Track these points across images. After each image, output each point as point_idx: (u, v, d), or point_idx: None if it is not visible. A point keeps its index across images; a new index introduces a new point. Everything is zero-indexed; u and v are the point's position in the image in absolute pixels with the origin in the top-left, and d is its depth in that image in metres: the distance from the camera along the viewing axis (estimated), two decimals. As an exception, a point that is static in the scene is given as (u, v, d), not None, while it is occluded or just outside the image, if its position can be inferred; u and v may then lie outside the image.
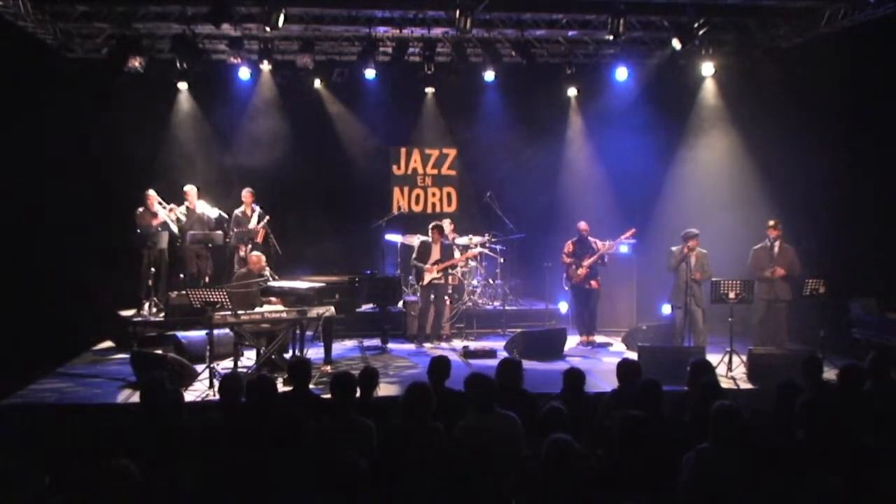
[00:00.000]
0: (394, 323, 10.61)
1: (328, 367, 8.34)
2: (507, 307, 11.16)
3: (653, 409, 4.65)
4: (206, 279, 10.53)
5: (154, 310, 10.09)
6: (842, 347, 8.64)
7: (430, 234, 10.26)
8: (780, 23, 10.27)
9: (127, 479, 3.30)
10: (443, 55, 11.39)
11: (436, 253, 10.12)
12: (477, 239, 11.55)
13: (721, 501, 3.83)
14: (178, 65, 10.45)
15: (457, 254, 10.58)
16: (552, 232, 11.56)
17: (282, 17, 8.97)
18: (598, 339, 10.29)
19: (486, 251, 11.69)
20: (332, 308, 8.39)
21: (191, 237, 10.52)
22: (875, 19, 9.05)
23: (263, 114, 11.87)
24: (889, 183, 8.87)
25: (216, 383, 6.87)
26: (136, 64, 10.18)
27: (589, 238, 10.11)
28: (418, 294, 10.39)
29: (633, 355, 7.86)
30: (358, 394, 5.03)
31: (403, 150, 13.22)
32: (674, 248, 9.11)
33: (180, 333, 8.86)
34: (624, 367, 5.63)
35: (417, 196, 13.29)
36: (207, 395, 7.26)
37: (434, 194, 13.33)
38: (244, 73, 11.13)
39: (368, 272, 9.92)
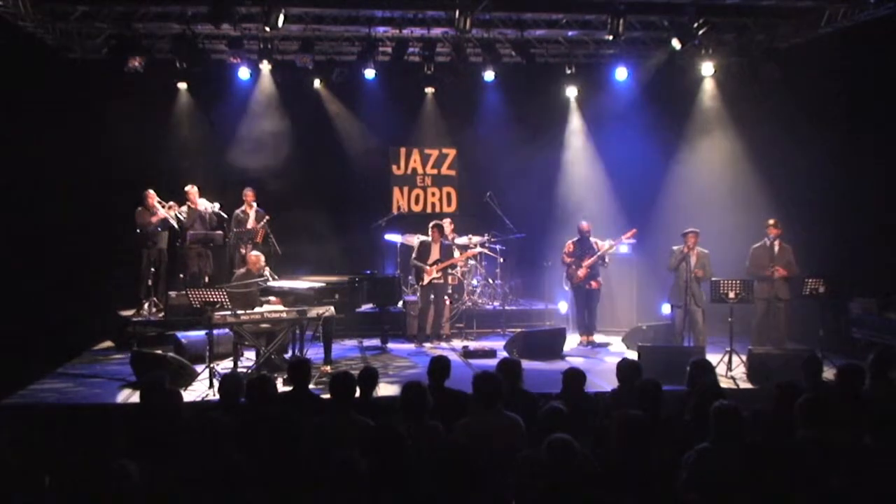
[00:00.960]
0: (394, 323, 10.61)
1: (328, 367, 8.33)
2: (507, 307, 11.16)
3: (653, 409, 4.65)
4: (206, 279, 10.52)
5: (154, 310, 10.09)
6: (842, 347, 8.66)
7: (429, 233, 10.26)
8: (780, 23, 10.28)
9: (127, 479, 3.30)
10: (443, 55, 11.38)
11: (435, 253, 10.12)
12: (476, 239, 11.55)
13: (721, 501, 3.83)
14: (178, 65, 10.47)
15: (456, 253, 10.58)
16: (552, 232, 11.58)
17: (282, 17, 8.97)
18: (598, 339, 10.29)
19: (485, 251, 11.69)
20: (332, 308, 8.39)
21: (191, 237, 10.52)
22: (875, 19, 9.06)
23: (263, 114, 11.88)
24: (889, 183, 8.87)
25: (216, 383, 6.86)
26: (136, 64, 10.17)
27: (590, 238, 10.11)
28: (418, 294, 10.39)
29: (633, 355, 7.86)
30: (358, 394, 5.03)
31: (403, 150, 13.23)
32: (675, 248, 9.11)
33: (180, 333, 8.85)
34: (624, 367, 5.62)
35: (417, 196, 13.29)
36: (207, 395, 7.26)
37: (434, 194, 13.34)
38: (244, 73, 11.14)
39: (368, 272, 9.92)
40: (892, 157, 8.77)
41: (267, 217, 10.73)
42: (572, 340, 10.04)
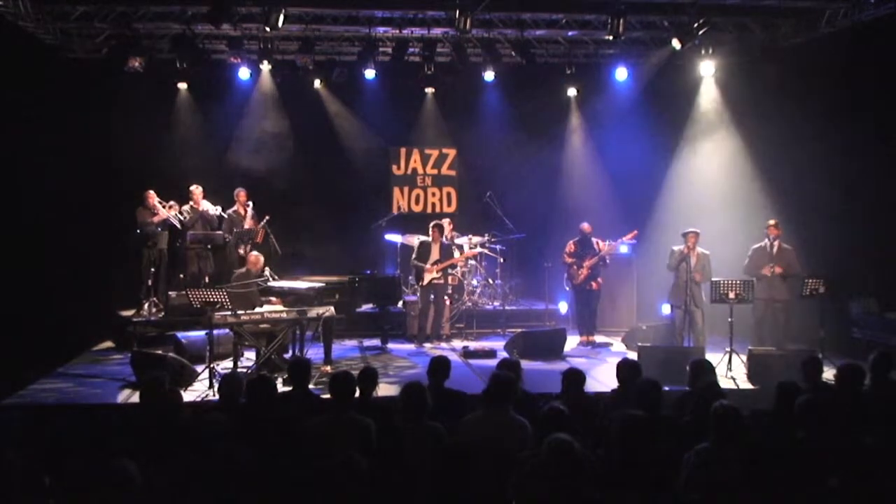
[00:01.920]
0: (394, 323, 10.61)
1: (328, 367, 8.33)
2: (507, 307, 11.16)
3: (653, 409, 4.65)
4: (206, 279, 10.53)
5: (154, 310, 10.09)
6: (842, 347, 8.65)
7: (430, 233, 10.26)
8: (780, 23, 10.28)
9: (127, 479, 3.30)
10: (443, 55, 11.38)
11: (435, 253, 10.12)
12: (477, 239, 11.55)
13: (721, 501, 3.83)
14: (178, 65, 10.47)
15: (456, 253, 10.58)
16: (552, 232, 11.58)
17: (282, 17, 8.97)
18: (598, 339, 10.29)
19: (485, 251, 11.69)
20: (332, 308, 8.39)
21: (191, 237, 10.52)
22: (875, 19, 9.06)
23: (263, 114, 11.88)
24: (889, 182, 8.87)
25: (216, 383, 6.87)
26: (136, 64, 10.18)
27: (591, 238, 10.10)
28: (418, 294, 10.39)
29: (633, 355, 7.86)
30: (358, 394, 5.03)
31: (403, 150, 13.22)
32: (675, 248, 9.10)
33: (180, 333, 8.86)
34: (624, 367, 5.62)
35: (417, 196, 13.29)
36: (207, 395, 7.26)
37: (434, 194, 13.33)
38: (244, 73, 11.13)
39: (368, 272, 9.93)
40: (893, 157, 8.76)
41: (267, 217, 10.73)
42: (572, 340, 10.04)
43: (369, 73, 11.07)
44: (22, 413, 6.92)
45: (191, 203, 10.74)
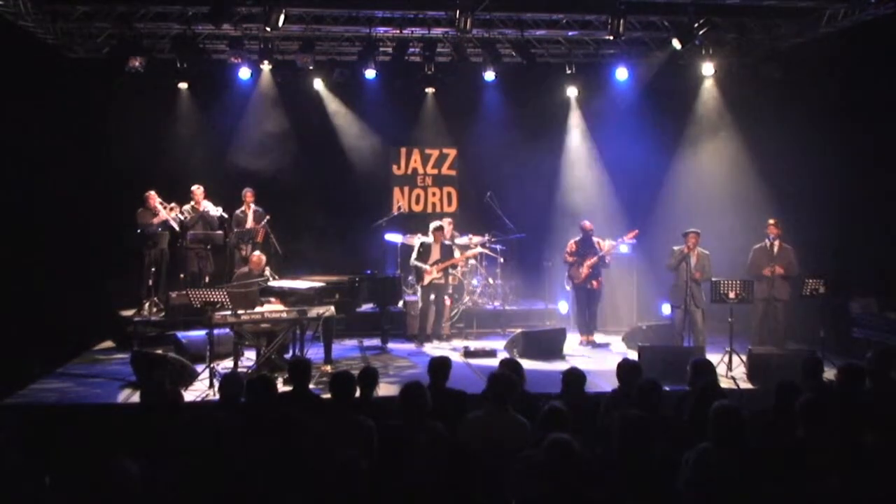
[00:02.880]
0: (394, 323, 10.60)
1: (328, 367, 8.34)
2: (507, 307, 11.16)
3: (653, 409, 4.65)
4: (207, 279, 10.53)
5: (154, 310, 10.09)
6: (842, 347, 8.65)
7: (430, 233, 10.26)
8: (780, 23, 10.28)
9: (127, 479, 3.30)
10: (443, 55, 11.38)
11: (435, 253, 10.12)
12: (477, 239, 11.55)
13: (721, 501, 3.83)
14: (178, 65, 10.46)
15: (456, 253, 10.58)
16: (552, 232, 11.58)
17: (282, 17, 8.97)
18: (599, 339, 10.29)
19: (486, 251, 11.69)
20: (332, 308, 8.39)
21: (191, 237, 10.52)
22: (875, 19, 9.06)
23: (263, 114, 11.87)
24: (889, 182, 8.87)
25: (216, 383, 6.87)
26: (136, 64, 10.18)
27: (592, 237, 10.11)
28: (418, 294, 10.39)
29: (634, 355, 7.86)
30: (358, 394, 5.03)
31: (403, 150, 13.22)
32: (675, 248, 9.10)
33: (180, 333, 8.86)
34: (624, 367, 5.62)
35: (417, 196, 13.29)
36: (207, 395, 7.26)
37: (434, 194, 13.33)
38: (244, 73, 11.13)
39: (368, 272, 9.92)
40: (893, 157, 8.76)
41: (267, 217, 10.74)
42: (572, 340, 10.03)
43: (369, 73, 11.07)
44: (22, 413, 6.92)
45: (192, 203, 10.74)
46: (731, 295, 8.28)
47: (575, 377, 5.43)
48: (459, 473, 3.89)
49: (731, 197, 10.70)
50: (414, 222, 12.22)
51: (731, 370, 8.16)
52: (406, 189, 13.24)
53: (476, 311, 11.27)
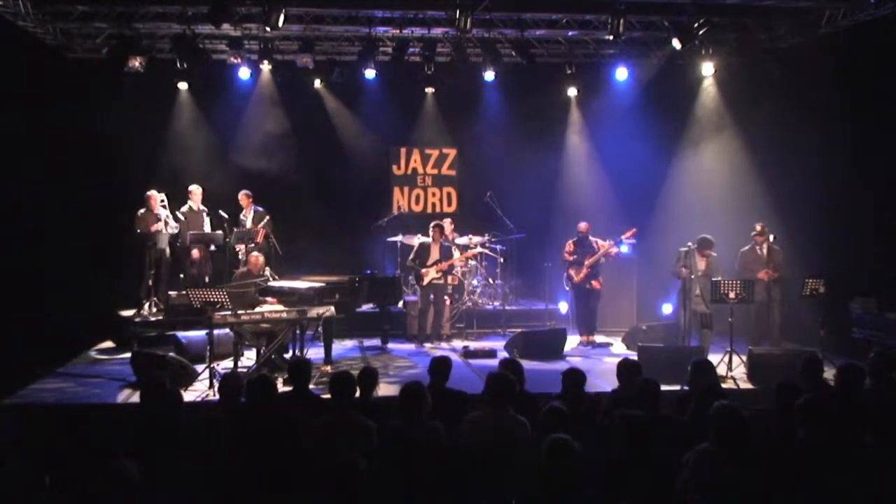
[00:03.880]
0: (394, 323, 10.61)
1: (328, 367, 8.34)
2: (507, 307, 11.16)
3: (652, 408, 4.65)
4: (206, 279, 10.52)
5: (154, 310, 10.08)
6: (842, 347, 8.64)
7: (430, 233, 10.26)
8: (780, 23, 10.27)
9: (127, 479, 3.31)
10: (443, 55, 11.38)
11: (435, 253, 10.12)
12: (477, 239, 11.54)
13: (721, 501, 3.83)
14: (178, 65, 10.47)
15: (456, 253, 10.58)
16: (552, 232, 11.58)
17: (282, 17, 8.96)
18: (599, 339, 10.29)
19: (486, 251, 11.68)
20: (332, 308, 8.39)
21: (191, 237, 10.52)
22: (875, 19, 9.05)
23: (263, 114, 11.87)
24: (889, 182, 8.87)
25: (216, 383, 6.86)
26: (136, 64, 10.17)
27: (589, 238, 10.11)
28: (418, 294, 10.39)
29: (633, 355, 7.86)
30: (358, 394, 5.03)
31: (403, 150, 13.22)
32: (681, 249, 8.96)
33: (180, 333, 8.85)
34: (624, 367, 5.63)
35: (417, 196, 13.28)
36: (207, 395, 7.26)
37: (434, 194, 13.33)
38: (244, 73, 11.14)
39: (368, 272, 9.92)
40: (893, 157, 8.76)
41: (267, 217, 10.73)
42: (572, 340, 10.03)
43: (369, 73, 11.07)
44: (22, 413, 6.92)
45: (189, 203, 10.73)
46: (732, 295, 8.26)
47: (575, 377, 5.43)
48: (459, 473, 3.89)
49: (731, 197, 10.68)
50: (414, 222, 12.20)
51: (731, 370, 8.15)
52: (406, 189, 13.24)
53: (476, 311, 11.27)
